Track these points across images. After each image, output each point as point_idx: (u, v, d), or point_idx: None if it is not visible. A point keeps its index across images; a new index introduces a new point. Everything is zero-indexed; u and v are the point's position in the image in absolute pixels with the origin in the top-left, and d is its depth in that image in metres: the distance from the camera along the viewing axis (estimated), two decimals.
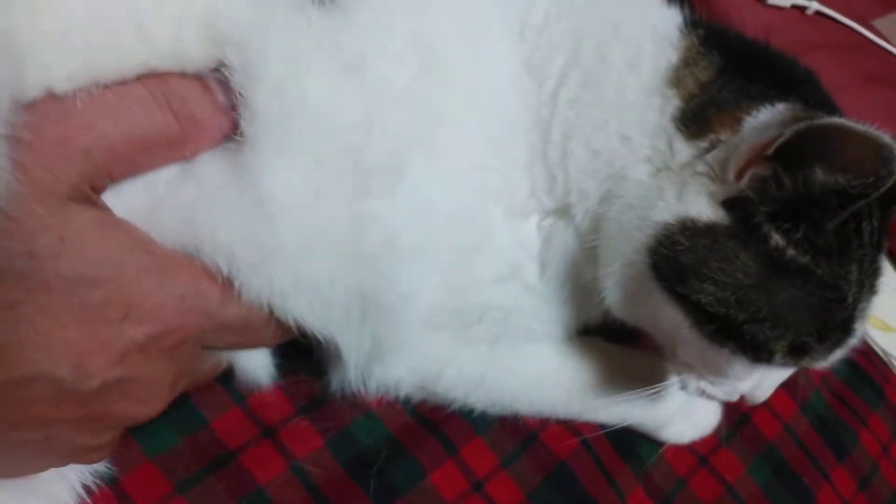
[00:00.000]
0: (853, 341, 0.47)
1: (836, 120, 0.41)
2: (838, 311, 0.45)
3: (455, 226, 0.47)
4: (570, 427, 0.58)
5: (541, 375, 0.56)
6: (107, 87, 0.35)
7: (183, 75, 0.37)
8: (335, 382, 0.52)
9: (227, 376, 0.49)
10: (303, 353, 0.51)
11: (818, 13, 0.94)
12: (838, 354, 0.47)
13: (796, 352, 0.45)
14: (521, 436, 0.56)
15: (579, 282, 0.51)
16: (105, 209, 0.37)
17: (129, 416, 0.39)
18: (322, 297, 0.42)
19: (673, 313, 0.46)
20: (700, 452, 0.63)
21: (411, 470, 0.52)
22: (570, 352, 0.57)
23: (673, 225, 0.44)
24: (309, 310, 0.42)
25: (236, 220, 0.39)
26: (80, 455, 0.39)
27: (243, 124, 0.38)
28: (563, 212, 0.50)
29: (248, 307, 0.40)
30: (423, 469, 0.52)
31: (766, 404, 0.66)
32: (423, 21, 0.44)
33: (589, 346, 0.57)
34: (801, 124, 0.41)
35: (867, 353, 0.77)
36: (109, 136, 0.35)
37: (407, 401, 0.55)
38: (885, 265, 0.49)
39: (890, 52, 0.96)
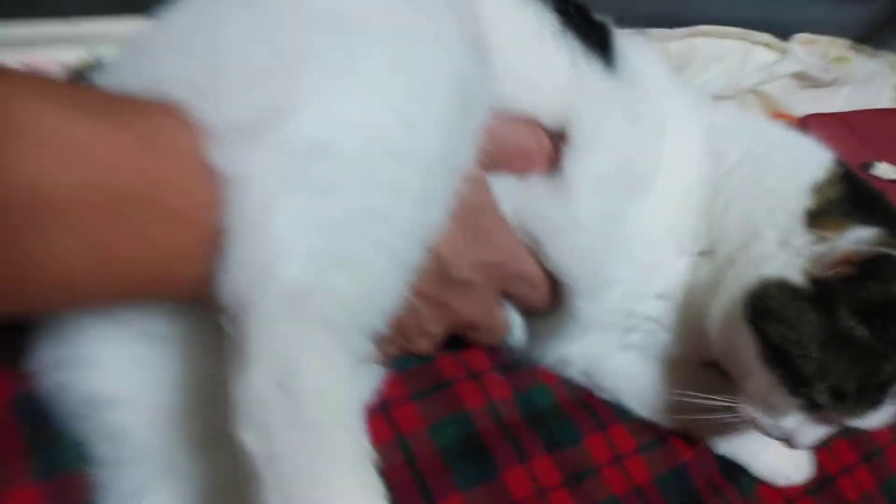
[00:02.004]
0: (890, 409, 0.59)
1: None
2: (880, 375, 0.58)
3: (652, 243, 0.66)
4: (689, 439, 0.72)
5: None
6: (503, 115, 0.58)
7: (543, 127, 0.60)
8: (521, 355, 0.69)
9: None
10: None
11: None
12: (876, 419, 0.60)
13: (835, 396, 0.58)
14: (657, 433, 0.71)
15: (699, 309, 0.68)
16: None
17: (462, 316, 0.57)
18: (586, 264, 0.61)
19: (748, 341, 0.61)
20: (787, 496, 0.75)
21: (571, 432, 0.67)
22: None
23: (774, 279, 0.61)
24: (576, 268, 0.61)
25: (545, 205, 0.60)
26: (421, 333, 0.57)
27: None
28: (709, 253, 0.68)
29: (537, 267, 0.60)
30: (580, 434, 0.67)
31: (850, 474, 0.79)
32: (664, 105, 0.67)
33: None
34: (882, 249, 0.58)
35: None
36: (502, 135, 0.57)
37: (570, 382, 0.70)
38: None
39: None
